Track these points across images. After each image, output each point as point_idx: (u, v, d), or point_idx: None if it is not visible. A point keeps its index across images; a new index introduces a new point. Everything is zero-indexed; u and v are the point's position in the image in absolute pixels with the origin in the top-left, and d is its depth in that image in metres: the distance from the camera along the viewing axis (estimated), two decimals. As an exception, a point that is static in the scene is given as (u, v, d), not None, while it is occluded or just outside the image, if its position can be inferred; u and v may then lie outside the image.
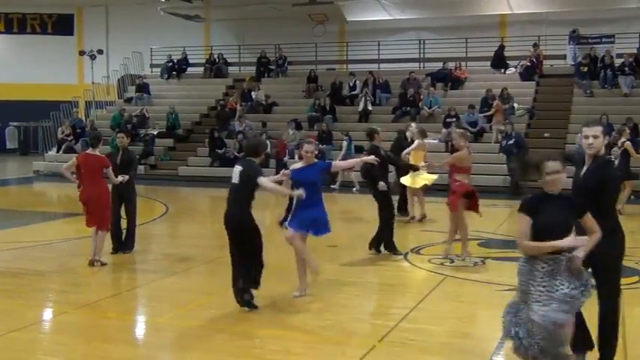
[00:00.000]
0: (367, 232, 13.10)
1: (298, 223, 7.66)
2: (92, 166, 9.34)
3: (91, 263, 9.31)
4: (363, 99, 23.14)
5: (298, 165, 8.01)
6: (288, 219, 7.81)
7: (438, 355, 6.03)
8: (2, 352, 6.06)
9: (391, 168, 11.78)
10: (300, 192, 7.28)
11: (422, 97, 22.78)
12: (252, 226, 7.15)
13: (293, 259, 9.93)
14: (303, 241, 7.78)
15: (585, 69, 22.51)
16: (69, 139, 24.90)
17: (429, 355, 6.03)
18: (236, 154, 21.94)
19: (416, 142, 13.11)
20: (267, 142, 19.44)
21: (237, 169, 7.21)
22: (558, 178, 4.61)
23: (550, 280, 4.56)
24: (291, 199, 7.85)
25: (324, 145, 20.53)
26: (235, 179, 7.15)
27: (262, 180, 7.03)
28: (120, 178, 9.77)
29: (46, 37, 33.68)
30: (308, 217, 7.65)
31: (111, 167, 9.58)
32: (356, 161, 8.79)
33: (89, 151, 9.56)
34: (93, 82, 28.10)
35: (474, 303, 7.67)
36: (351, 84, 24.19)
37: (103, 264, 9.39)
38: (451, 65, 24.35)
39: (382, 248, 10.28)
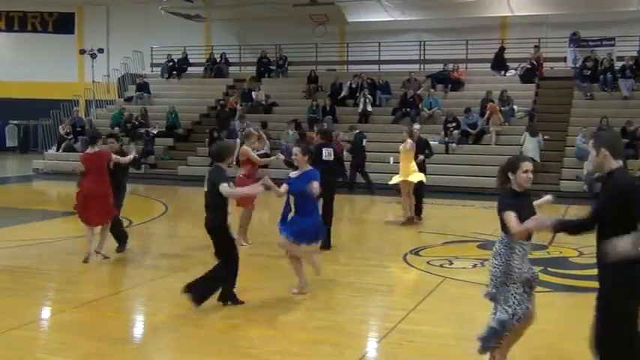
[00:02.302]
0: (366, 233, 13.16)
1: (294, 233, 7.70)
2: (95, 163, 9.46)
3: (86, 260, 9.36)
4: (362, 100, 23.15)
5: (294, 174, 7.98)
6: (282, 224, 7.87)
7: (436, 357, 6.03)
8: (0, 350, 6.06)
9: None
10: (259, 188, 7.40)
11: (422, 98, 22.81)
12: (225, 233, 7.32)
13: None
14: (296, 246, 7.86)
15: (588, 72, 22.51)
16: (69, 137, 24.89)
17: (428, 357, 6.04)
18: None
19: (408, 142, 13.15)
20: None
21: (206, 176, 7.29)
22: (531, 176, 5.18)
23: (522, 262, 5.15)
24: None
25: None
26: (205, 186, 7.23)
27: (223, 187, 7.05)
28: (132, 155, 10.24)
29: (46, 36, 33.64)
30: (305, 228, 7.73)
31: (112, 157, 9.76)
32: None
33: (89, 150, 9.63)
34: (93, 81, 28.09)
35: (472, 305, 7.65)
36: (354, 85, 24.17)
37: (106, 257, 9.56)
38: (450, 67, 24.35)
39: None
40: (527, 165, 5.20)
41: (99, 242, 9.62)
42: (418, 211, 13.60)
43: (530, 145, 19.39)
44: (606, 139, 4.65)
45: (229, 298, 7.37)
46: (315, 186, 7.62)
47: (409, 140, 12.93)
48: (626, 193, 4.38)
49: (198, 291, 7.15)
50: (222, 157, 7.39)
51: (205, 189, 7.22)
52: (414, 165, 13.02)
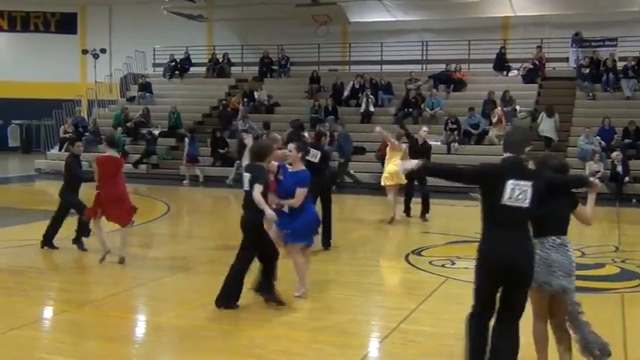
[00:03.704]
0: (368, 233, 13.15)
1: (296, 235, 7.56)
2: (112, 167, 9.45)
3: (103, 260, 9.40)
4: (364, 100, 23.14)
5: (289, 168, 7.81)
6: (282, 232, 7.69)
7: (438, 357, 6.02)
8: (2, 350, 6.06)
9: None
10: (272, 214, 7.13)
11: (424, 98, 22.81)
12: (259, 232, 7.28)
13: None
14: (302, 253, 7.76)
15: (587, 71, 22.49)
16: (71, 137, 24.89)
17: (430, 357, 6.03)
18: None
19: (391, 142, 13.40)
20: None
21: (247, 176, 7.24)
22: None
23: None
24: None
25: (327, 146, 20.53)
26: (246, 186, 7.20)
27: (255, 190, 7.01)
28: None
29: (49, 36, 33.68)
30: (302, 225, 7.58)
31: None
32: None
33: (108, 153, 9.61)
34: (96, 81, 28.10)
35: (474, 305, 7.65)
36: (357, 85, 24.14)
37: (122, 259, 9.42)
38: (452, 67, 24.34)
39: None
40: None
41: (120, 247, 9.50)
42: (408, 209, 13.92)
43: (547, 125, 20.13)
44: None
45: (267, 290, 7.30)
46: (290, 202, 7.48)
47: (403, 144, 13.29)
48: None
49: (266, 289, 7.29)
50: (263, 156, 7.31)
51: (246, 187, 7.19)
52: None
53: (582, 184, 5.56)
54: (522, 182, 4.75)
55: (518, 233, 4.81)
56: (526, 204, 4.75)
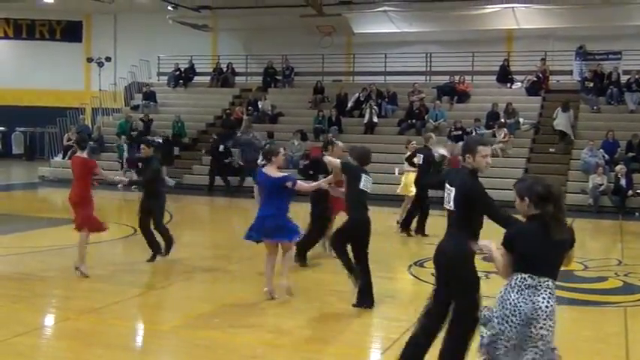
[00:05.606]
0: (370, 244, 13.12)
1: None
2: (82, 169, 9.30)
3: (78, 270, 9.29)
4: (368, 111, 23.18)
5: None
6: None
7: (439, 369, 6.00)
8: (5, 357, 6.07)
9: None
10: None
11: (428, 109, 22.85)
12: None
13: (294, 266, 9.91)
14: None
15: (591, 84, 22.50)
16: (74, 145, 24.90)
17: (431, 369, 6.01)
18: (240, 163, 21.98)
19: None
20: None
21: (366, 178, 8.32)
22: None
23: None
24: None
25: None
26: (366, 186, 8.30)
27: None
28: (117, 179, 10.37)
29: (54, 44, 33.80)
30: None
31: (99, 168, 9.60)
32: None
33: (78, 153, 9.49)
34: (100, 89, 28.18)
35: (476, 317, 7.63)
36: (362, 97, 24.19)
37: (83, 274, 9.14)
38: (456, 79, 24.37)
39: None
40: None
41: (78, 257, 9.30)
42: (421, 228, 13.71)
43: (562, 120, 20.70)
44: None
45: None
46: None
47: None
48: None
49: None
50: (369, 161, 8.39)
51: (365, 187, 8.11)
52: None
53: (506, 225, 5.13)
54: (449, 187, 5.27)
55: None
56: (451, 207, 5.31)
